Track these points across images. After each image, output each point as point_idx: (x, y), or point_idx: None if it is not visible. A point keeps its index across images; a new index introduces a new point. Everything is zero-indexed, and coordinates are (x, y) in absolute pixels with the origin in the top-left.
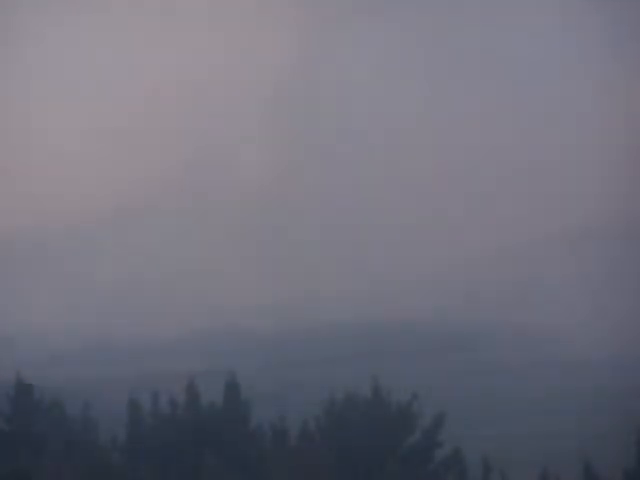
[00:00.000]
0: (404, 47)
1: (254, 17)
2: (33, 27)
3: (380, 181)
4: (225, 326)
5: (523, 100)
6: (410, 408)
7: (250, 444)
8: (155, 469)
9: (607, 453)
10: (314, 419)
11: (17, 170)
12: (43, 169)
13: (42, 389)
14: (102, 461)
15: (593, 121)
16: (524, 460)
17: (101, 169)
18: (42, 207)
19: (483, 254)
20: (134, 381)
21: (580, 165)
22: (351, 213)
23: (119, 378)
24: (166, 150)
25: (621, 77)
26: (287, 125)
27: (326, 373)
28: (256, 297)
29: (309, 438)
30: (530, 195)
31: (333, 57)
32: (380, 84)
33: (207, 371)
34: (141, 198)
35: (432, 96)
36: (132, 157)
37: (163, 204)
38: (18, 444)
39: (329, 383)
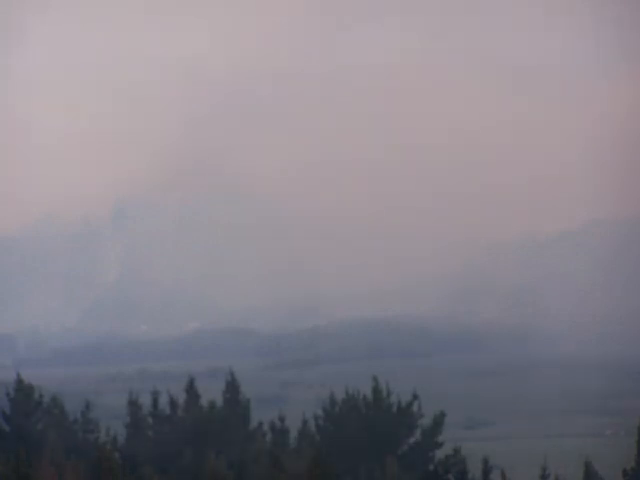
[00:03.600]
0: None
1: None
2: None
3: (380, 183)
4: (225, 326)
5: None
6: (410, 408)
7: (250, 444)
8: (155, 469)
9: (607, 453)
10: (314, 419)
11: (17, 169)
12: (41, 167)
13: (42, 389)
14: (102, 461)
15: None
16: (524, 460)
17: (100, 167)
18: (41, 206)
19: (482, 254)
20: (134, 381)
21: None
22: (352, 214)
23: (120, 378)
24: (167, 149)
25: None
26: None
27: (326, 373)
28: (257, 297)
29: (309, 438)
30: (530, 195)
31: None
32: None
33: (207, 371)
34: (141, 197)
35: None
36: (132, 154)
37: (163, 203)
38: (18, 444)
39: (329, 383)
